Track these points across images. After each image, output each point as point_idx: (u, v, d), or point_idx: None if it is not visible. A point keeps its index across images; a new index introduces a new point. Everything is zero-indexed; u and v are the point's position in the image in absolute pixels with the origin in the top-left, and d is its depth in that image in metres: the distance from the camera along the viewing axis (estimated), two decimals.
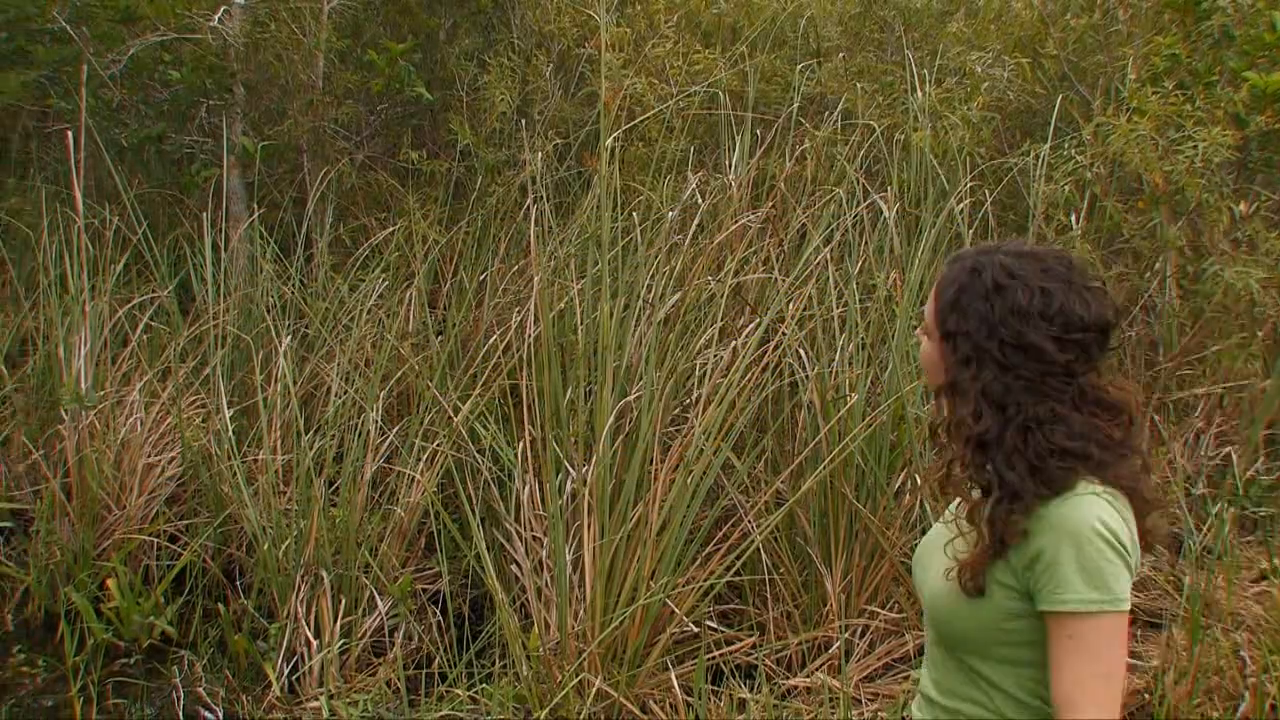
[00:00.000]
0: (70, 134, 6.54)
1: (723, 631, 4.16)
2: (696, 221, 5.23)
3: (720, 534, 4.27)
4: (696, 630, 4.00)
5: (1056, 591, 1.83)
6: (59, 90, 9.30)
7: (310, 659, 4.66)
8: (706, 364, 4.51)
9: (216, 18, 8.15)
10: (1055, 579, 1.83)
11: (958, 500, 2.06)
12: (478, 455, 4.92)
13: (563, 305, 5.09)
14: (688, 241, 5.13)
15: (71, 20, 8.37)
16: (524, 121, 7.00)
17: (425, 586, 5.01)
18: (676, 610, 3.96)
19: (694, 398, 4.48)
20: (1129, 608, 1.84)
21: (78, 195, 6.38)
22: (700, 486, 4.09)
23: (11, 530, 5.97)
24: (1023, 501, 1.87)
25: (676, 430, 4.46)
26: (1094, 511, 1.84)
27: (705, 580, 4.08)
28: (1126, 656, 1.93)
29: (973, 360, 1.90)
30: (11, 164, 9.94)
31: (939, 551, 2.03)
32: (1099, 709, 1.82)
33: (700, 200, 5.35)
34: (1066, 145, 5.35)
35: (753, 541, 4.08)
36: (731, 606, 4.32)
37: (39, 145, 10.15)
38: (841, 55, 6.99)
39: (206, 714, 4.71)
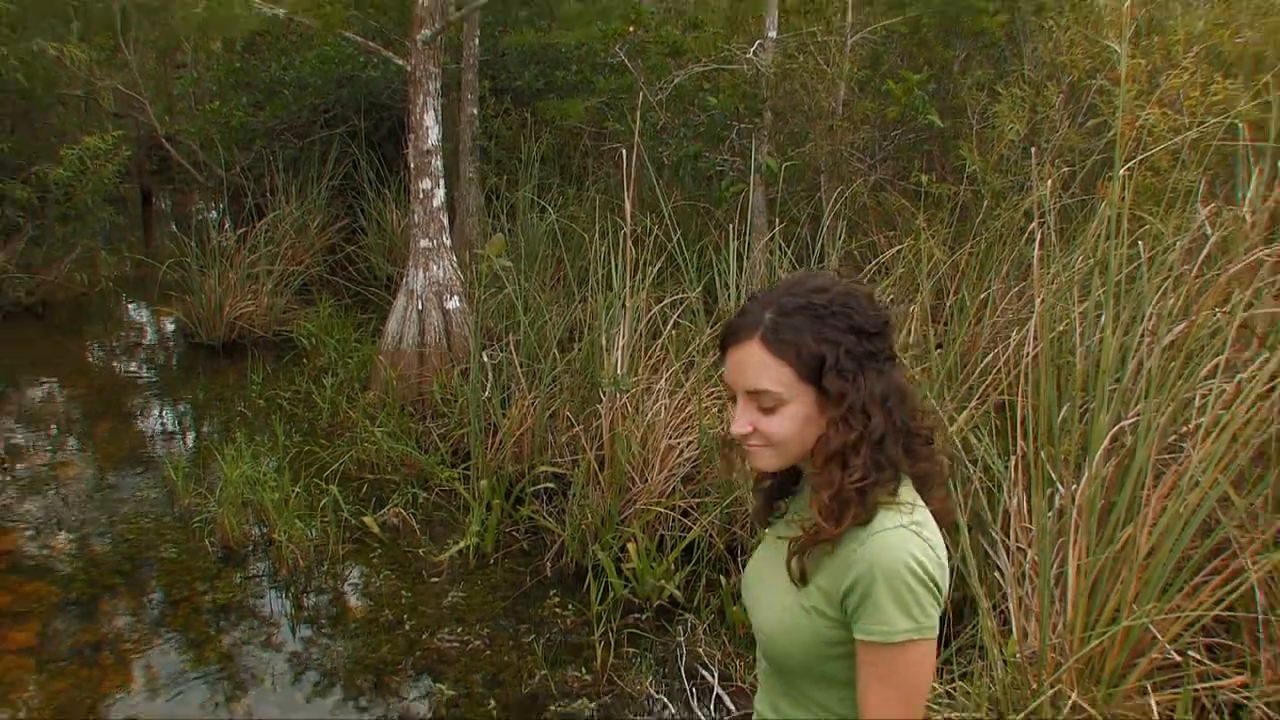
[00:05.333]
0: (624, 153, 6.95)
1: (1208, 665, 3.89)
2: (1204, 254, 4.93)
3: (1211, 566, 4.01)
4: (1179, 659, 3.78)
5: (870, 622, 1.79)
6: (613, 114, 9.99)
7: None
8: (1208, 395, 4.24)
9: (752, 50, 8.49)
10: (869, 609, 1.78)
11: (784, 519, 2.06)
12: (969, 464, 4.79)
13: (1063, 327, 4.94)
14: (1194, 272, 4.84)
15: (629, 54, 8.94)
16: (1031, 149, 6.83)
17: None
18: (1159, 636, 3.75)
19: (1192, 427, 4.23)
20: (936, 633, 1.79)
21: (628, 205, 6.73)
22: (1195, 516, 3.85)
23: (553, 491, 6.37)
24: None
25: (1172, 458, 4.22)
26: (907, 548, 1.78)
27: (1193, 611, 3.84)
28: (932, 678, 1.86)
29: None
30: (571, 177, 10.74)
31: (771, 573, 1.97)
32: None
33: (1209, 232, 5.04)
34: None
35: (1247, 578, 3.81)
36: (1219, 641, 4.02)
37: (594, 161, 10.92)
38: None
39: (705, 673, 4.84)
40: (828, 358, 1.80)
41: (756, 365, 1.83)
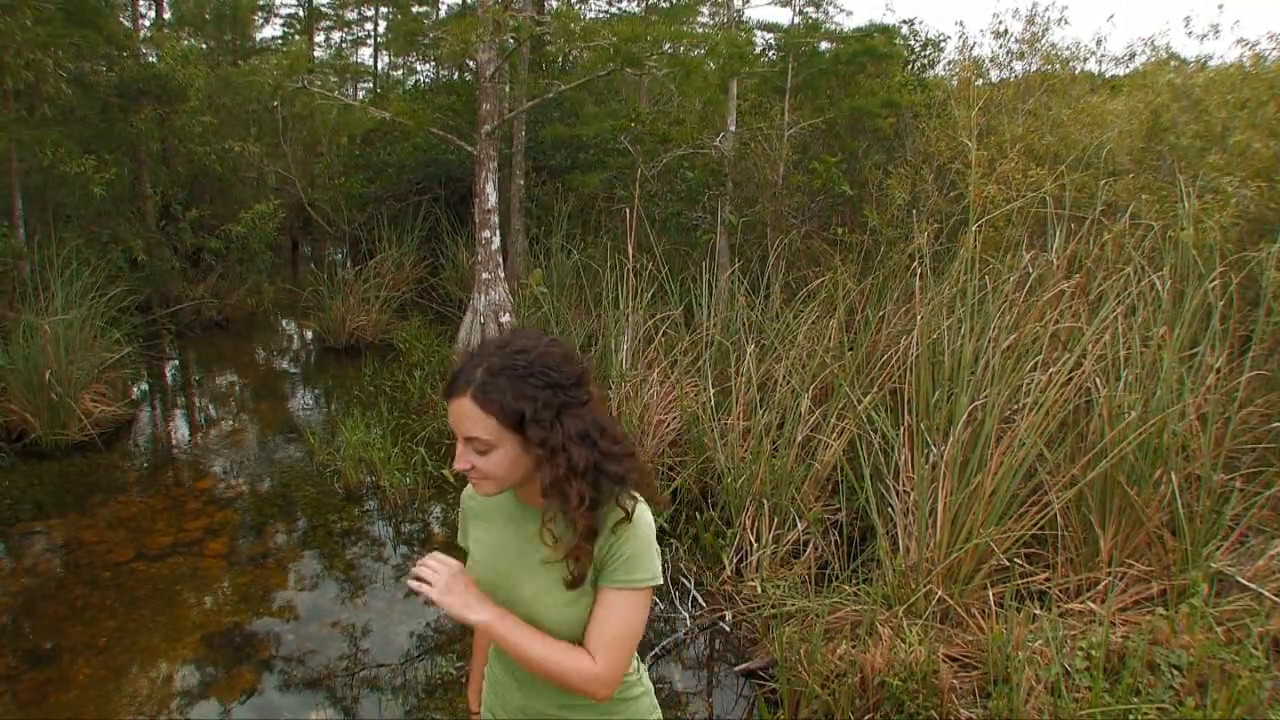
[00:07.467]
0: (627, 211, 6.97)
1: (1026, 566, 4.00)
2: (1028, 285, 5.03)
3: (1031, 500, 4.12)
4: (1008, 564, 3.89)
5: (631, 572, 1.64)
6: (620, 184, 10.05)
7: (751, 555, 4.71)
8: (1030, 383, 4.34)
9: (718, 139, 8.56)
10: (631, 562, 1.63)
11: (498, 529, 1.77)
12: (871, 433, 4.84)
13: (935, 336, 5.00)
14: (1022, 298, 4.95)
15: (631, 141, 9.01)
16: (913, 211, 6.92)
17: (830, 516, 4.92)
18: (996, 549, 3.85)
19: (1020, 405, 4.33)
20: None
21: (630, 248, 6.80)
22: (1021, 467, 3.96)
23: None
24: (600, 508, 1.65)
25: (1007, 426, 4.31)
26: (647, 512, 1.68)
27: (1018, 531, 3.95)
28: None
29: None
30: (590, 229, 10.77)
31: (529, 573, 1.70)
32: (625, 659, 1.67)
33: (1031, 270, 5.14)
34: None
35: (1053, 508, 3.93)
36: (1033, 550, 4.10)
37: (606, 217, 10.96)
38: (1130, 175, 6.59)
39: (685, 580, 4.84)
40: (526, 412, 1.58)
41: (470, 417, 1.59)
